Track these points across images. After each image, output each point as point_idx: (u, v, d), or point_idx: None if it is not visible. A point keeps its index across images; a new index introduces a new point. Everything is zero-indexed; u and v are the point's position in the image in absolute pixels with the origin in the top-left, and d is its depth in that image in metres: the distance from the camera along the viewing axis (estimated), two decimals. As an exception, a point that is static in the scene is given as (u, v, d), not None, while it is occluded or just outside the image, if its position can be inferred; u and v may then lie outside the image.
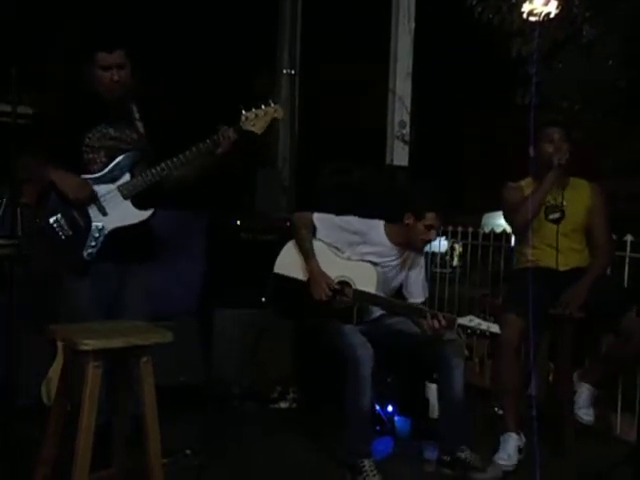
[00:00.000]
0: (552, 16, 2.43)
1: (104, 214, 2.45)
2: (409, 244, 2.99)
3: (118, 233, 2.47)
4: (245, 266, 3.61)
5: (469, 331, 2.68)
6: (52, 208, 2.43)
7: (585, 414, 2.93)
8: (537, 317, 2.73)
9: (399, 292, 3.09)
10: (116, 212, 2.45)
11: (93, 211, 2.44)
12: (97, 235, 2.42)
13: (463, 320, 2.67)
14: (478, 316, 2.68)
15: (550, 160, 2.94)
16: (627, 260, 3.28)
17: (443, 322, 2.67)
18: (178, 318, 3.41)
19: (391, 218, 3.01)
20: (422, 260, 3.10)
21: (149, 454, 2.09)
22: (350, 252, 2.97)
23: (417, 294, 3.04)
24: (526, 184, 3.11)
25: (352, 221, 3.02)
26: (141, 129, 2.58)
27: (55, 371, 2.87)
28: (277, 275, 3.03)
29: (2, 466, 2.53)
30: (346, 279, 2.91)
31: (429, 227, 2.90)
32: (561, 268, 2.97)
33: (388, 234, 3.01)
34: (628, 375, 3.22)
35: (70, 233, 2.42)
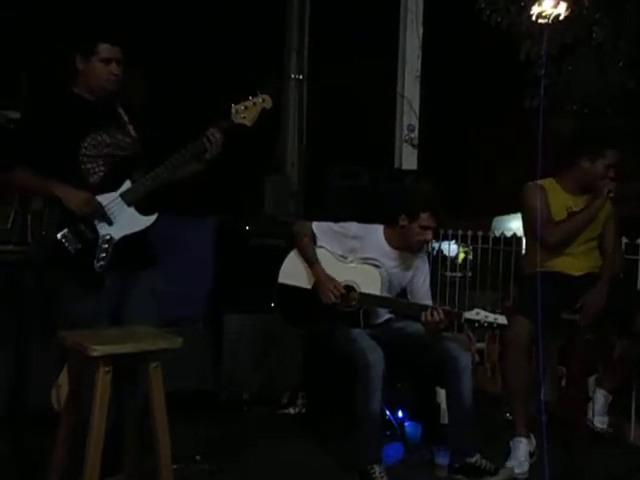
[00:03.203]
0: (561, 18, 2.41)
1: (110, 224, 2.38)
2: (407, 246, 2.97)
3: (125, 241, 2.41)
4: (254, 271, 3.60)
5: (477, 325, 2.66)
6: (57, 222, 2.35)
7: (599, 421, 2.90)
8: (549, 321, 2.72)
9: (404, 297, 3.08)
10: (122, 220, 2.39)
11: (99, 222, 2.38)
12: (106, 246, 2.36)
13: (469, 314, 2.66)
14: (485, 309, 2.66)
15: (600, 185, 2.90)
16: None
17: (441, 315, 2.67)
18: (188, 323, 3.41)
19: (389, 221, 3.00)
20: (427, 266, 3.09)
21: (159, 460, 2.08)
22: (352, 257, 2.97)
23: (424, 301, 3.02)
24: (548, 185, 3.04)
25: (350, 226, 3.02)
26: (132, 132, 2.51)
27: (65, 377, 2.88)
28: (282, 285, 3.04)
29: (14, 472, 2.54)
30: (351, 283, 2.91)
31: (424, 228, 2.89)
32: (575, 273, 2.95)
33: (387, 238, 3.00)
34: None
35: (79, 246, 2.35)
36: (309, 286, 2.97)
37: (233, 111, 2.46)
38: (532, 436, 2.82)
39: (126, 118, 2.52)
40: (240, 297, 3.67)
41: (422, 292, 3.03)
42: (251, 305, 3.61)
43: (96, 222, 2.37)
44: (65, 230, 2.34)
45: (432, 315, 2.68)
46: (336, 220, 3.09)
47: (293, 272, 3.02)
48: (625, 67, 5.64)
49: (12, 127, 2.50)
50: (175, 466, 2.22)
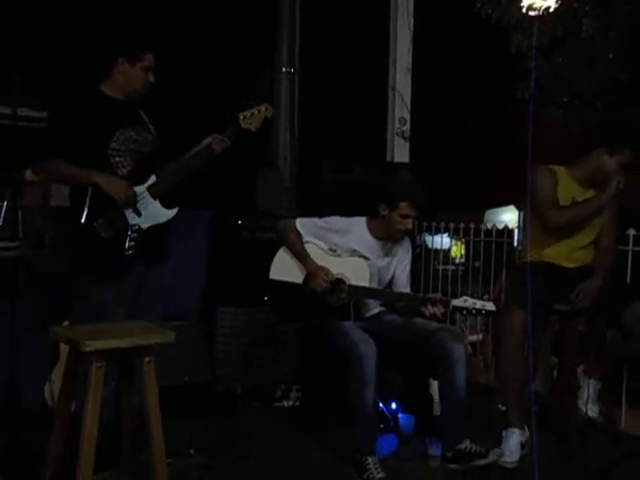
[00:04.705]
0: (552, 10, 2.41)
1: (139, 215, 2.52)
2: (389, 236, 3.00)
3: (150, 232, 2.55)
4: (247, 265, 3.61)
5: (465, 312, 2.69)
6: (90, 210, 2.45)
7: (590, 409, 2.93)
8: (541, 312, 2.73)
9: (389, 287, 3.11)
10: (148, 212, 2.54)
11: (129, 212, 2.51)
12: (135, 235, 2.50)
13: (457, 301, 2.69)
14: (472, 296, 2.69)
15: (610, 178, 2.88)
16: (630, 254, 3.27)
17: (442, 309, 2.73)
18: (181, 317, 3.41)
19: (371, 212, 3.02)
20: (409, 255, 3.11)
21: (153, 453, 2.09)
22: (340, 251, 2.99)
23: (402, 289, 3.05)
24: (558, 172, 3.03)
25: (333, 220, 3.05)
26: (153, 131, 2.68)
27: (57, 373, 2.88)
28: (273, 281, 3.07)
29: (8, 467, 2.54)
30: (340, 276, 2.93)
31: (404, 216, 2.91)
32: (568, 265, 2.97)
33: (370, 229, 3.03)
34: (633, 370, 3.21)
35: (112, 234, 2.48)
36: (300, 281, 2.99)
37: (241, 117, 2.67)
38: (526, 428, 2.84)
39: (146, 118, 2.68)
40: (233, 291, 3.68)
41: (401, 280, 3.07)
42: (244, 299, 3.62)
43: (126, 212, 2.51)
44: (100, 219, 2.46)
45: (434, 310, 2.72)
46: (327, 214, 3.11)
47: (283, 268, 3.05)
48: (615, 59, 5.66)
49: (46, 121, 2.62)
50: (169, 460, 2.23)
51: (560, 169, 3.04)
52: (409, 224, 2.94)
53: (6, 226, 2.98)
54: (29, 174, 3.27)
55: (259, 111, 2.68)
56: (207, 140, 2.62)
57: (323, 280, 2.89)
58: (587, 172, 3.01)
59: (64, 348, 2.69)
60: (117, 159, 2.52)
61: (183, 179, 2.61)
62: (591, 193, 3.00)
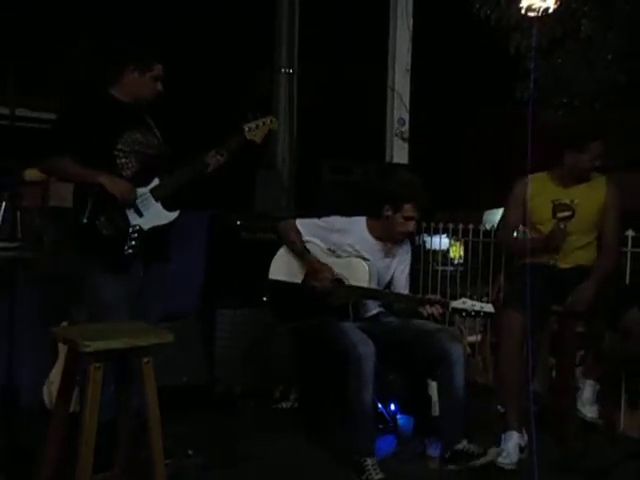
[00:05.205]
0: (551, 11, 2.42)
1: (140, 215, 2.56)
2: (389, 237, 3.00)
3: (151, 233, 2.59)
4: (246, 266, 3.61)
5: (464, 314, 2.69)
6: (92, 208, 2.50)
7: (588, 411, 2.93)
8: (539, 313, 2.73)
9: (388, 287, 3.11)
10: (150, 213, 2.58)
11: (130, 213, 2.55)
12: (136, 235, 2.54)
13: (456, 303, 2.68)
14: (471, 297, 2.69)
15: (556, 224, 2.88)
16: (629, 255, 3.27)
17: (440, 310, 2.72)
18: (180, 318, 3.41)
19: (373, 212, 3.02)
20: (408, 256, 3.11)
21: (152, 454, 2.09)
22: (339, 251, 2.99)
23: (401, 290, 3.05)
24: (537, 180, 3.04)
25: (333, 220, 3.06)
26: (158, 135, 2.73)
27: (56, 373, 2.88)
28: (272, 281, 3.07)
29: (6, 468, 2.54)
30: (339, 276, 2.93)
31: (407, 219, 2.91)
32: (566, 265, 2.97)
33: (370, 229, 3.03)
34: (631, 371, 3.21)
35: (113, 233, 2.52)
36: (299, 281, 2.99)
37: (246, 129, 2.72)
38: (524, 431, 2.84)
39: (152, 122, 2.73)
40: (232, 292, 3.68)
41: (400, 281, 3.07)
42: (243, 300, 3.62)
43: (128, 212, 2.55)
44: (102, 217, 2.50)
45: (432, 310, 2.72)
46: (327, 214, 3.11)
47: (283, 268, 3.06)
48: (614, 61, 5.67)
49: (55, 120, 2.67)
50: (168, 461, 2.23)
51: (539, 176, 3.08)
52: (411, 226, 2.94)
53: (5, 226, 2.98)
54: (28, 174, 3.27)
55: (264, 123, 2.73)
56: (210, 153, 2.64)
57: (326, 277, 2.89)
58: (565, 173, 3.06)
59: (63, 348, 2.69)
60: (123, 160, 2.58)
61: (186, 183, 2.64)
62: (576, 191, 2.99)
